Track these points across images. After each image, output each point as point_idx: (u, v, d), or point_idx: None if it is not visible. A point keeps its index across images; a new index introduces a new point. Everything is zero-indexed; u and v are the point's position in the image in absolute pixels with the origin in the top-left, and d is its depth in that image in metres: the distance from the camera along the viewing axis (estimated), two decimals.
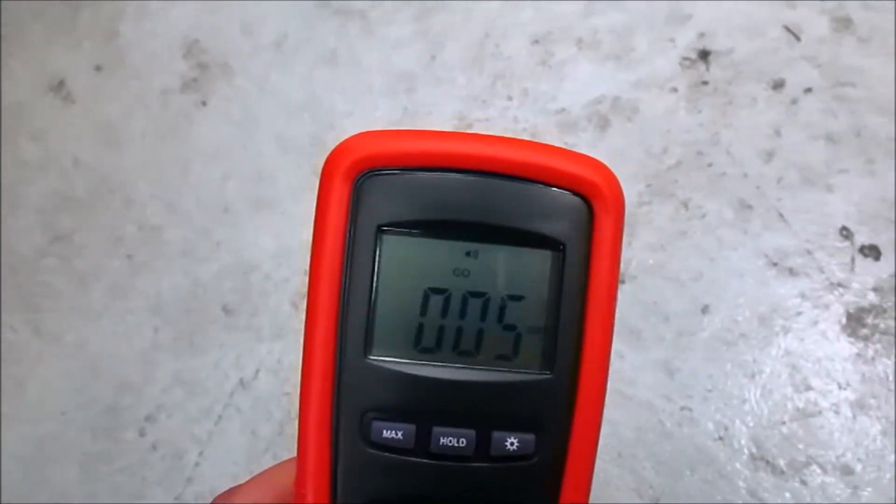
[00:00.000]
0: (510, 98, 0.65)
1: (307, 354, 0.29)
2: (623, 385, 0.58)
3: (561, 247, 0.29)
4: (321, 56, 0.65)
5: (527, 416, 0.29)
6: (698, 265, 0.61)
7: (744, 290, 0.61)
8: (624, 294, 0.60)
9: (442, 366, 0.29)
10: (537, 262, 0.30)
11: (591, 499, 0.28)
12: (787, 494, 0.56)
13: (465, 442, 0.28)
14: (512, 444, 0.29)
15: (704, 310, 0.60)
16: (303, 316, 0.59)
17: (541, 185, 0.29)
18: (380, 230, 0.29)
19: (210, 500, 0.51)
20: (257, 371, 0.58)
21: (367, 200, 0.29)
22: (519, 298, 0.30)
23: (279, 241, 0.61)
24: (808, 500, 0.56)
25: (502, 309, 0.30)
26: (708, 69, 0.66)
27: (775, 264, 0.61)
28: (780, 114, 0.65)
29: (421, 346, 0.29)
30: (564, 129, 0.64)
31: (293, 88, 0.64)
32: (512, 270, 0.30)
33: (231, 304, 0.60)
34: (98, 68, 0.66)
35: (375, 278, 0.29)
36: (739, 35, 0.67)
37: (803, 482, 0.57)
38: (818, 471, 0.57)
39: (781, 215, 0.63)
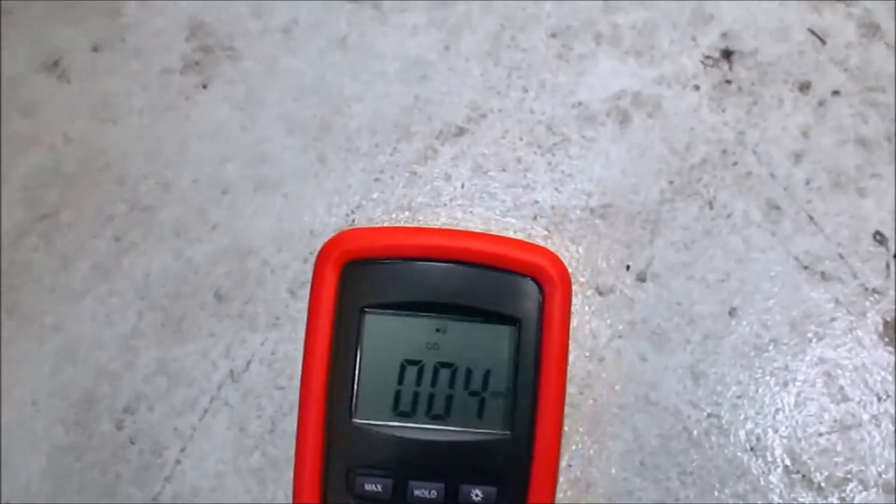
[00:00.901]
0: (526, 90, 0.62)
1: (301, 417, 0.34)
2: (646, 389, 0.54)
3: (517, 322, 0.34)
4: (332, 40, 0.63)
5: (489, 470, 0.33)
6: (725, 266, 0.58)
7: (773, 294, 0.57)
8: (646, 293, 0.56)
9: (417, 427, 0.33)
10: (497, 336, 0.34)
11: None
12: None
13: (436, 494, 0.32)
14: (477, 495, 0.32)
15: (732, 312, 0.56)
16: (301, 305, 0.54)
17: (498, 271, 0.34)
18: (362, 310, 0.34)
19: (190, 500, 0.46)
20: (249, 362, 0.54)
21: (352, 285, 0.34)
22: (482, 368, 0.34)
23: (280, 224, 0.57)
24: None
25: (468, 377, 0.34)
26: (731, 69, 0.64)
27: (806, 268, 0.58)
28: (808, 116, 0.62)
29: (399, 411, 0.34)
30: (583, 123, 0.61)
31: (302, 71, 0.62)
32: (475, 343, 0.34)
33: (224, 289, 0.55)
34: (96, 48, 0.63)
35: (359, 351, 0.34)
36: (763, 37, 0.65)
37: (842, 499, 0.52)
38: (859, 487, 0.52)
39: (812, 218, 0.59)
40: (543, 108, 0.62)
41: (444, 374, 0.34)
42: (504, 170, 0.60)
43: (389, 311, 0.34)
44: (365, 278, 0.34)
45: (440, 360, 0.34)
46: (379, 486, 0.33)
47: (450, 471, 0.33)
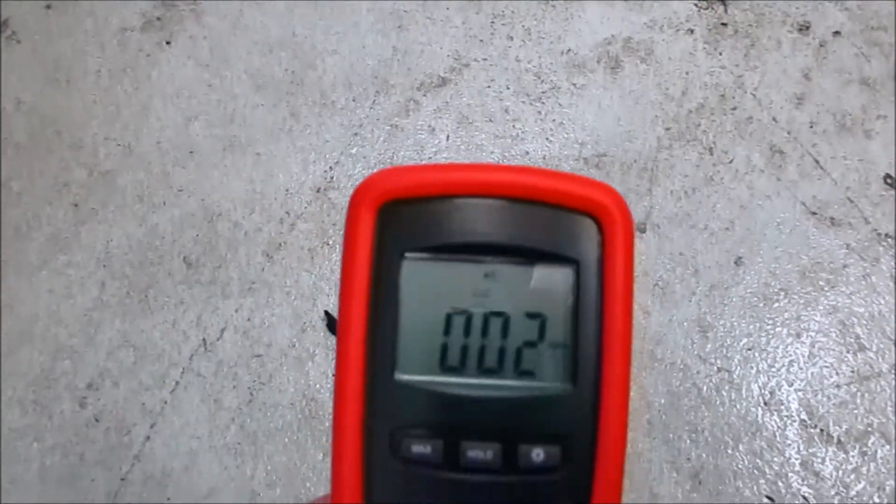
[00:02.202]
0: (511, 38, 0.58)
1: (339, 376, 0.29)
2: (650, 345, 0.50)
3: (575, 264, 0.30)
4: None
5: (551, 428, 0.29)
6: (728, 213, 0.54)
7: (781, 241, 0.54)
8: (646, 244, 0.53)
9: (467, 383, 0.29)
10: (552, 279, 0.30)
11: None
12: (847, 467, 0.48)
13: (492, 455, 0.29)
14: (538, 455, 0.29)
15: (738, 262, 0.53)
16: (277, 268, 0.49)
17: (553, 208, 0.30)
18: (402, 256, 0.29)
19: (161, 481, 0.41)
20: (222, 331, 0.49)
21: (390, 228, 0.30)
22: (537, 315, 0.30)
23: (251, 185, 0.53)
24: (872, 474, 0.47)
25: (522, 326, 0.30)
26: (726, 11, 0.61)
27: (814, 213, 0.54)
28: (808, 57, 0.59)
29: (446, 365, 0.30)
30: (572, 71, 0.58)
31: (270, 26, 0.57)
32: (528, 289, 0.30)
33: (193, 255, 0.51)
34: (48, 6, 0.59)
35: (400, 301, 0.30)
36: None
37: (863, 453, 0.48)
38: (881, 441, 0.49)
39: (817, 162, 0.56)
40: (530, 55, 0.58)
41: (496, 323, 0.30)
42: (491, 120, 0.56)
43: (432, 256, 0.30)
44: (405, 220, 0.30)
45: (490, 308, 0.30)
46: (428, 448, 0.29)
47: (506, 430, 0.29)
